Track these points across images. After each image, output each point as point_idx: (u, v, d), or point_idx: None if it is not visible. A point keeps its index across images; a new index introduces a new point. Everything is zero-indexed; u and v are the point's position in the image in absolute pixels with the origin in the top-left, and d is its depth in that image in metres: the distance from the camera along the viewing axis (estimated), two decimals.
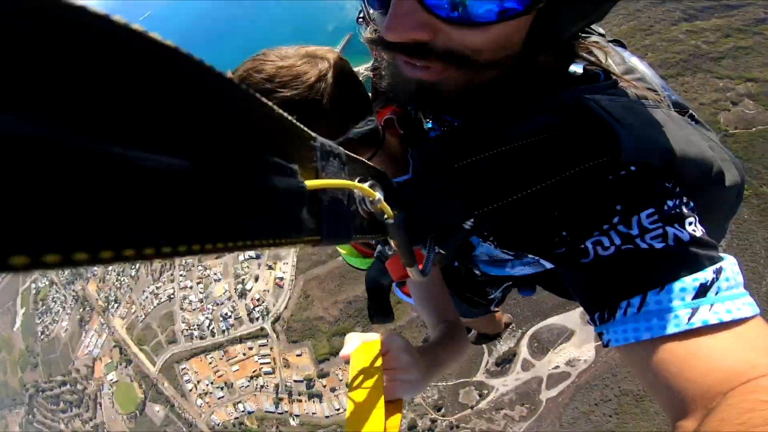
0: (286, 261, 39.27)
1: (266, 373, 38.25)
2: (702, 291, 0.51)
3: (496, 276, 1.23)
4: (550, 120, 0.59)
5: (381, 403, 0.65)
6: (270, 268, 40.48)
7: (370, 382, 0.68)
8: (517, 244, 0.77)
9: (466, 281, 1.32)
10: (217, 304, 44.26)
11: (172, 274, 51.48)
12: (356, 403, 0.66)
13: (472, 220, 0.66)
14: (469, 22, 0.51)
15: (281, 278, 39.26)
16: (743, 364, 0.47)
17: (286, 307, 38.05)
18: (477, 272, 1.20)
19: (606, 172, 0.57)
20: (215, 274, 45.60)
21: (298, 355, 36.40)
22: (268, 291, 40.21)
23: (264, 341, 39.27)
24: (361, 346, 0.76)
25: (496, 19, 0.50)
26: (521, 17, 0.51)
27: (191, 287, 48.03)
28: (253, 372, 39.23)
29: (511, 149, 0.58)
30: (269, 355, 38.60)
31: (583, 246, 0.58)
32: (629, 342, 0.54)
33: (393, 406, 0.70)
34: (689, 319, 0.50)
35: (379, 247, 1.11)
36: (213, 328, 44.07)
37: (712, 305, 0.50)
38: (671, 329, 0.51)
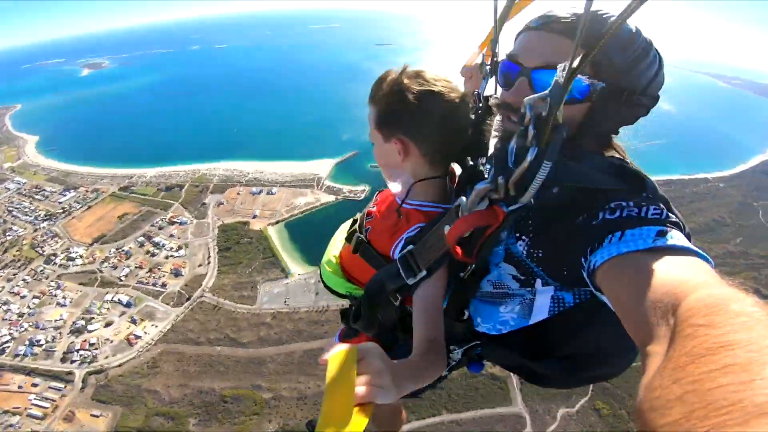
0: (156, 324, 41.81)
1: (30, 416, 34.92)
2: (663, 234, 0.81)
3: (473, 327, 1.39)
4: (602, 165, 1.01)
5: (351, 405, 0.72)
6: (133, 322, 42.12)
7: (342, 386, 0.75)
8: (547, 234, 1.06)
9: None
10: (38, 327, 41.59)
11: (15, 274, 47.12)
12: (329, 405, 0.73)
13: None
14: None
15: (137, 336, 40.72)
16: (685, 279, 0.66)
17: (120, 365, 38.15)
18: (466, 311, 1.36)
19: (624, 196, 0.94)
20: (65, 297, 44.03)
21: (93, 415, 35.09)
22: (112, 342, 40.30)
23: (60, 385, 37.24)
24: (339, 351, 0.82)
25: (566, 101, 0.86)
26: (581, 104, 1.00)
27: (23, 297, 44.30)
28: (13, 408, 35.14)
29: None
30: (53, 401, 36.07)
31: (595, 215, 0.92)
32: (611, 256, 0.82)
33: (363, 409, 0.75)
34: (653, 241, 0.79)
35: (462, 200, 1.07)
36: (8, 346, 39.57)
37: (670, 238, 0.79)
38: (640, 245, 0.79)
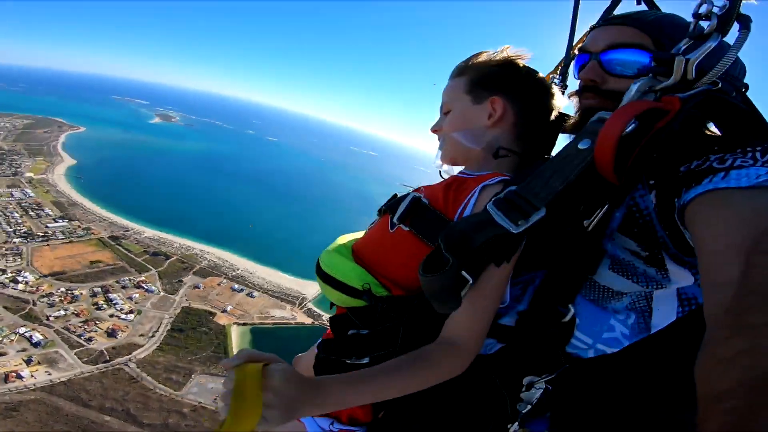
0: (51, 372, 34.55)
1: None
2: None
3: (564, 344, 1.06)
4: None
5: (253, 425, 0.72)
6: (28, 361, 34.86)
7: (247, 403, 0.75)
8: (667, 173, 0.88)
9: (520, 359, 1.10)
10: None
11: None
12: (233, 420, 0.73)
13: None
14: (618, 75, 1.02)
15: (19, 376, 32.88)
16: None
17: None
18: (571, 308, 1.03)
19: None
20: None
21: None
22: None
23: None
24: (246, 367, 0.80)
25: (633, 74, 1.00)
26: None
27: None
28: None
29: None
30: None
31: (705, 161, 0.82)
32: (706, 190, 0.74)
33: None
34: (757, 179, 0.70)
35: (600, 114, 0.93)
36: None
37: None
38: (743, 183, 0.71)
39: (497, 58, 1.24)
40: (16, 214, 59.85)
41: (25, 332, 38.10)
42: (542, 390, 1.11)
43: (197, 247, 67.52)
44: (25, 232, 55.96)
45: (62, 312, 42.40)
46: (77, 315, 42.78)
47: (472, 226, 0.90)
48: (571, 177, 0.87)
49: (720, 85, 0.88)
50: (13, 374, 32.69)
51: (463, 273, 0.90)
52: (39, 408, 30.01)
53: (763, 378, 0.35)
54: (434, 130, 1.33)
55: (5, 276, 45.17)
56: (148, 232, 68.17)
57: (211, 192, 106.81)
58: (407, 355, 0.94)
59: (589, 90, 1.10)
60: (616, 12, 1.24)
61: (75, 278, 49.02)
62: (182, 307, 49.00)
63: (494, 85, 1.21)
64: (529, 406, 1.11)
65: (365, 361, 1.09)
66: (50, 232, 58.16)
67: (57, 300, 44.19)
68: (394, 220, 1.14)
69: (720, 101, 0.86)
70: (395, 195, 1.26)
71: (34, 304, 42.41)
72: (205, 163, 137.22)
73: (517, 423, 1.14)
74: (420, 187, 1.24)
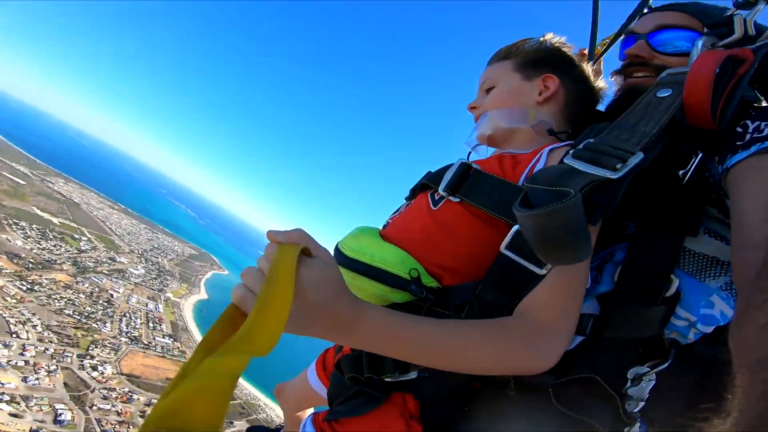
0: None
1: None
2: None
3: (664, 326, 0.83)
4: None
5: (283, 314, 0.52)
6: None
7: (275, 300, 0.53)
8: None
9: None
10: None
11: None
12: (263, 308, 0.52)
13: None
14: (667, 53, 1.05)
15: None
16: None
17: None
18: (674, 279, 0.83)
19: None
20: None
21: None
22: None
23: None
24: (287, 246, 0.62)
25: (682, 52, 1.02)
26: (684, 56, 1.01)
27: None
28: None
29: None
30: None
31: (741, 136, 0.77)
32: (749, 154, 0.71)
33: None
34: None
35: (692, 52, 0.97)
36: None
37: None
38: None
39: (545, 42, 1.19)
40: (138, 320, 65.22)
41: (59, 409, 35.76)
42: (653, 382, 0.84)
43: (263, 399, 61.60)
44: (135, 336, 59.46)
45: (108, 406, 39.60)
46: (119, 414, 39.21)
47: (560, 173, 0.68)
48: (664, 120, 0.74)
49: None
50: None
51: None
52: None
53: None
54: (472, 106, 1.21)
55: (90, 361, 46.21)
56: None
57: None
58: (480, 321, 0.74)
59: (636, 65, 1.11)
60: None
61: (144, 385, 47.10)
62: None
63: (545, 64, 1.14)
64: (642, 404, 0.85)
65: (412, 376, 0.85)
66: (154, 343, 60.67)
67: (113, 395, 41.93)
68: (441, 191, 0.92)
69: None
70: (428, 172, 1.03)
71: (92, 391, 40.70)
72: None
73: (638, 425, 0.86)
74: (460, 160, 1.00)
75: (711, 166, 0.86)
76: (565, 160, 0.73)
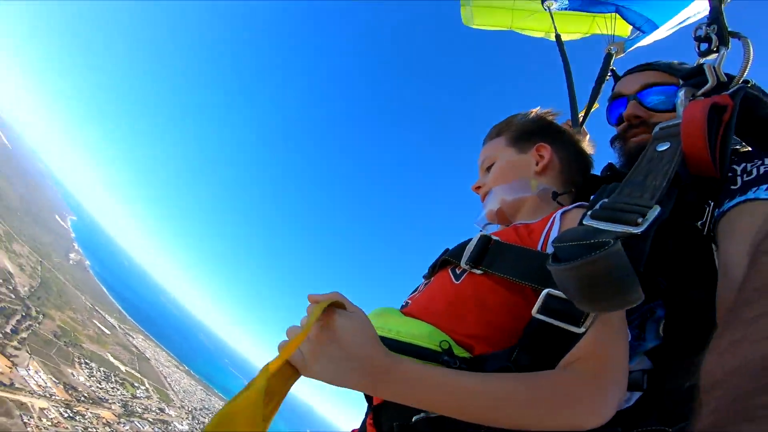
0: None
1: None
2: None
3: None
4: None
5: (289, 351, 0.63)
6: None
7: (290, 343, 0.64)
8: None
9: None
10: None
11: None
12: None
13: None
14: (659, 110, 1.12)
15: None
16: None
17: None
18: None
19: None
20: None
21: None
22: None
23: None
24: (321, 303, 0.71)
25: (671, 108, 1.09)
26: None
27: None
28: None
29: None
30: None
31: (733, 180, 0.84)
32: (739, 202, 0.76)
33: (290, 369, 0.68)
34: None
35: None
36: None
37: None
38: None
39: (533, 115, 1.30)
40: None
41: None
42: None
43: None
44: None
45: None
46: None
47: (586, 232, 0.65)
48: (671, 173, 0.75)
49: (752, 83, 0.94)
50: None
51: None
52: None
53: (746, 366, 0.36)
54: (476, 186, 1.28)
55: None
56: None
57: None
58: (526, 374, 0.71)
59: (637, 126, 1.19)
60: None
61: None
62: None
63: (536, 135, 1.23)
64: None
65: None
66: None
67: None
68: (463, 265, 0.92)
69: (756, 99, 0.89)
70: (446, 249, 1.05)
71: None
72: None
73: None
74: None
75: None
76: (584, 222, 0.71)
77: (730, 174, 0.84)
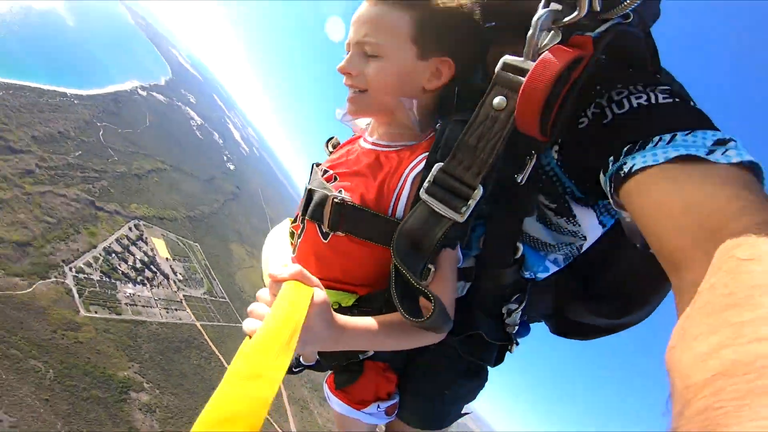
0: None
1: None
2: (722, 142, 0.66)
3: (520, 275, 1.17)
4: None
5: (291, 344, 0.69)
6: None
7: (287, 325, 0.71)
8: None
9: (494, 288, 1.20)
10: None
11: None
12: (268, 333, 0.70)
13: None
14: None
15: None
16: (732, 200, 0.57)
17: None
18: (519, 247, 1.12)
19: None
20: None
21: None
22: None
23: None
24: (296, 285, 0.81)
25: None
26: None
27: None
28: None
29: None
30: None
31: (602, 112, 0.80)
32: (657, 163, 0.68)
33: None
34: (707, 153, 0.64)
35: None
36: None
37: (727, 150, 0.64)
38: (693, 152, 0.65)
39: (452, 3, 1.01)
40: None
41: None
42: (521, 311, 1.23)
43: None
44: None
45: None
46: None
47: (419, 232, 0.92)
48: (499, 147, 0.85)
49: (632, 18, 0.80)
50: None
51: (428, 266, 0.96)
52: None
53: (734, 368, 0.37)
54: (346, 71, 1.08)
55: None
56: None
57: None
58: (402, 324, 0.98)
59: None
60: None
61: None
62: None
63: (446, 40, 1.02)
64: (517, 327, 1.27)
65: (371, 353, 1.24)
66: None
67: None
68: (325, 230, 1.06)
69: (629, 35, 0.82)
70: (309, 191, 1.12)
71: None
72: None
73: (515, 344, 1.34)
74: (330, 173, 1.14)
75: (541, 156, 0.97)
76: (421, 196, 0.92)
77: (597, 110, 0.80)
